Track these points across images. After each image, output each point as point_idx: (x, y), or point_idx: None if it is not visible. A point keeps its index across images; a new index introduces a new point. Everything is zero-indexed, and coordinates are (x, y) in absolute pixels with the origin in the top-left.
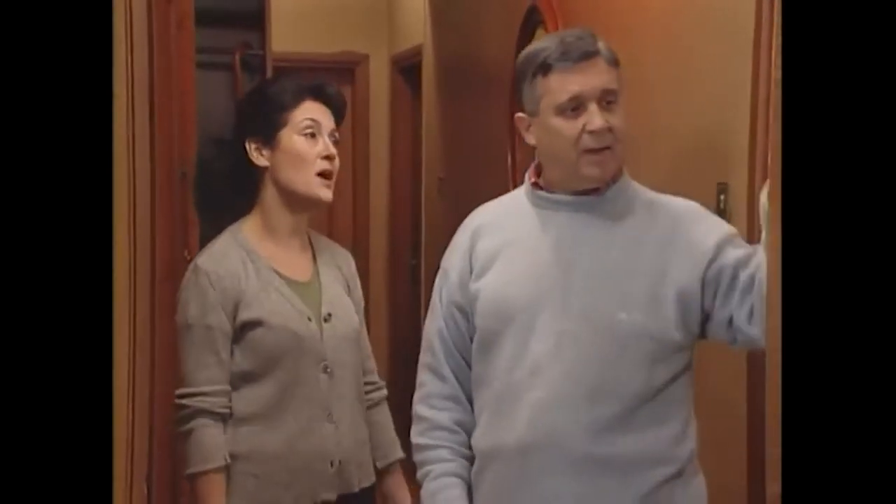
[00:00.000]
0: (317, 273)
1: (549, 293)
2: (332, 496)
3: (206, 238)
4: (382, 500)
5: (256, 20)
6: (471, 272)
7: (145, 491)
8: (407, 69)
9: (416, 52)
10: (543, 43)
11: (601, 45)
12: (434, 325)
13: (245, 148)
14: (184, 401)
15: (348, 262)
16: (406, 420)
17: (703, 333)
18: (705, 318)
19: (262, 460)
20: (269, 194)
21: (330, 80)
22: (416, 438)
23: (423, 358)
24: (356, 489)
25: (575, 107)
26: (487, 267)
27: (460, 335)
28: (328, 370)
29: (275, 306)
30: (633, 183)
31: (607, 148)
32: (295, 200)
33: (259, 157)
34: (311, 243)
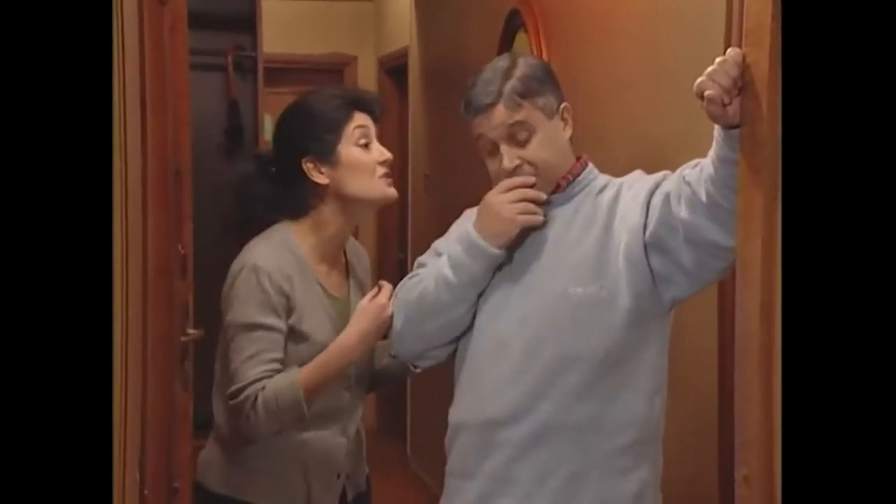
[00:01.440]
0: (348, 288)
1: (516, 279)
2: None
3: (200, 236)
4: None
5: (248, 23)
6: None
7: (137, 476)
8: (393, 70)
9: (403, 54)
10: (468, 83)
11: (506, 87)
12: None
13: (301, 168)
14: (241, 396)
15: (366, 261)
16: (394, 404)
17: (673, 289)
18: (673, 269)
19: (279, 456)
20: (330, 208)
21: (318, 80)
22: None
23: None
24: (349, 498)
25: (490, 148)
26: None
27: None
28: (350, 387)
29: (319, 321)
30: (595, 174)
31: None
32: (361, 207)
33: (318, 175)
34: (345, 253)
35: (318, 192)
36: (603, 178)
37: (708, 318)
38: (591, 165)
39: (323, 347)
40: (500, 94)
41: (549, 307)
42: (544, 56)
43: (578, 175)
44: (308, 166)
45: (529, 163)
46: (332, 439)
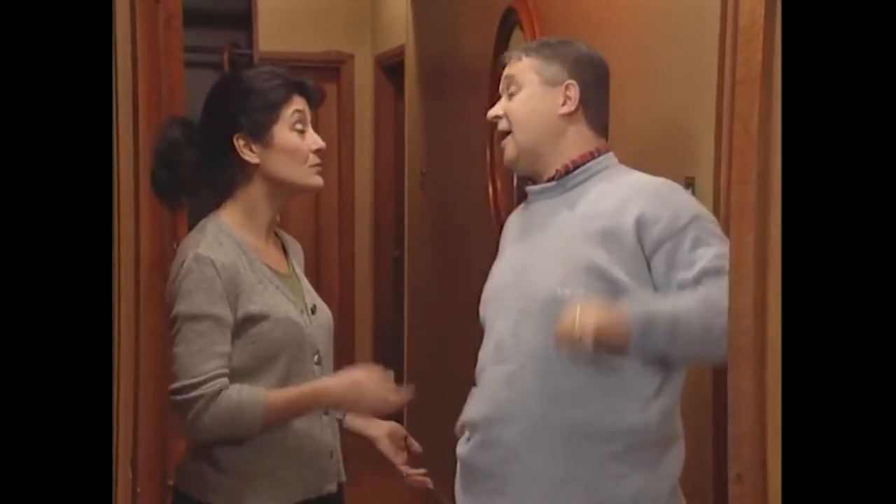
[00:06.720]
0: (291, 265)
1: (515, 276)
2: (334, 488)
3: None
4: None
5: (244, 20)
6: None
7: (130, 474)
8: (390, 68)
9: (399, 52)
10: None
11: (524, 45)
12: None
13: (232, 144)
14: (193, 393)
15: (300, 250)
16: None
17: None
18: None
19: (272, 457)
20: (256, 188)
21: (316, 78)
22: None
23: None
24: (343, 479)
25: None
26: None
27: None
28: (320, 362)
29: (274, 299)
30: (604, 165)
31: (507, 133)
32: (287, 191)
33: (249, 154)
34: (276, 234)
35: (246, 171)
36: (617, 168)
37: None
38: (601, 157)
39: (287, 323)
40: (516, 51)
41: (542, 307)
42: None
43: (581, 165)
44: (239, 143)
45: (508, 115)
46: (316, 419)
